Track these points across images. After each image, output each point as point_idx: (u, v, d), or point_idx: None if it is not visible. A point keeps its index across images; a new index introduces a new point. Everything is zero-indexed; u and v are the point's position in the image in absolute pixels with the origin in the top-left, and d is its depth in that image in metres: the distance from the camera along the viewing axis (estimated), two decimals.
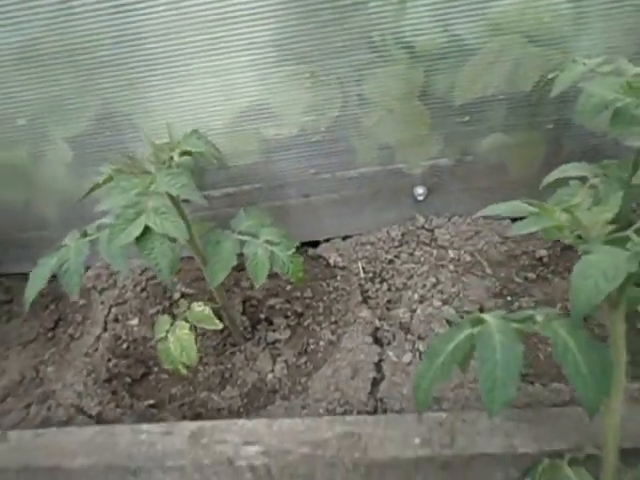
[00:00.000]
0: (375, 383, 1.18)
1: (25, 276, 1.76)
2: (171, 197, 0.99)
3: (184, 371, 1.20)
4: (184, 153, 1.07)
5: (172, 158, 1.03)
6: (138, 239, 0.93)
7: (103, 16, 1.21)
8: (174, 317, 1.24)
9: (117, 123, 1.40)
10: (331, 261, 1.58)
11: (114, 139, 1.42)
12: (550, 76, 1.14)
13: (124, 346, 1.46)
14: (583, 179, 1.03)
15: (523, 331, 0.70)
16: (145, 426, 1.05)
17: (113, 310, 1.54)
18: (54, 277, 1.77)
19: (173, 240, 0.98)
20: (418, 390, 0.72)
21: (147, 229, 0.93)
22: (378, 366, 1.22)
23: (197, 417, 1.26)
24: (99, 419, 1.20)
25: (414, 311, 1.34)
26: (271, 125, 1.39)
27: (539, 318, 0.72)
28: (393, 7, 1.19)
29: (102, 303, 1.57)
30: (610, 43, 1.22)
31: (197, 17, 1.23)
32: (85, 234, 1.07)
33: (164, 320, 1.22)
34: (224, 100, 1.36)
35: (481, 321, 0.70)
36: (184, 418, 1.25)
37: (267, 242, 1.13)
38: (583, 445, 0.90)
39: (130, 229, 0.93)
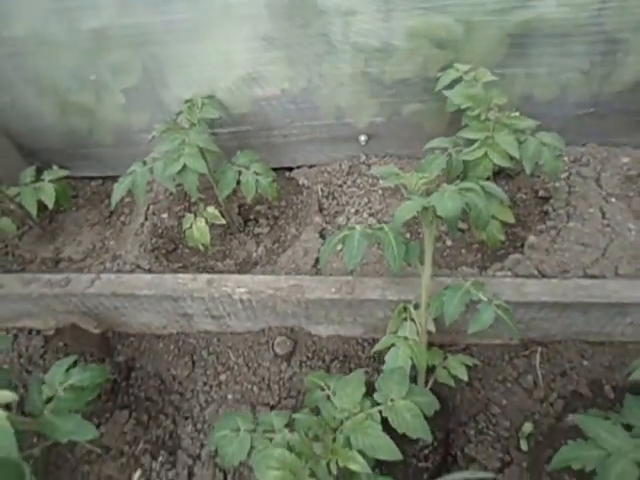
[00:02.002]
0: (317, 261, 1.94)
1: (87, 179, 2.50)
2: (198, 146, 1.67)
3: (201, 248, 1.95)
4: (205, 117, 1.74)
5: (198, 123, 1.70)
6: (179, 171, 1.63)
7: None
8: (194, 214, 1.95)
9: (155, 80, 2.02)
10: (300, 182, 2.28)
11: (152, 90, 2.06)
12: (438, 75, 1.77)
13: (159, 231, 2.19)
14: (444, 149, 1.69)
15: (374, 235, 1.41)
16: (180, 274, 1.83)
17: (151, 207, 2.26)
18: (105, 180, 2.51)
19: (198, 171, 1.68)
20: (321, 260, 1.46)
21: (184, 166, 1.63)
22: (320, 251, 1.97)
23: None
24: (150, 272, 1.97)
25: (349, 219, 2.06)
26: (260, 88, 2.02)
27: (386, 229, 1.44)
28: (342, 18, 1.78)
29: (143, 202, 2.28)
30: (482, 49, 1.81)
31: (213, 17, 1.82)
32: (145, 163, 1.75)
33: (189, 217, 1.93)
34: (229, 70, 1.97)
35: (353, 228, 1.41)
36: None
37: (255, 173, 1.84)
38: (419, 296, 1.66)
39: (175, 165, 1.63)
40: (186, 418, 1.86)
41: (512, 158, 1.49)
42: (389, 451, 1.17)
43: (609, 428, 1.23)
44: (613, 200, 1.85)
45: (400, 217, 1.29)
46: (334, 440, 1.21)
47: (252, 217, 2.23)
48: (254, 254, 2.09)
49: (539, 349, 1.78)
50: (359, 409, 1.24)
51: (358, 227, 1.41)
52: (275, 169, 2.26)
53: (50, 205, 1.95)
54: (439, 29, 1.75)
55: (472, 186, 1.24)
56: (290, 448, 1.20)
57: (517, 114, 1.54)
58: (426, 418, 1.55)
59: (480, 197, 1.21)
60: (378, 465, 1.33)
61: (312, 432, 1.25)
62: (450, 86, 1.67)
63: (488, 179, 1.49)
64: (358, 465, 1.13)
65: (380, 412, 1.24)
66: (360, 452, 1.17)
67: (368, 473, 1.17)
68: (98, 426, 1.84)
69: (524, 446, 1.63)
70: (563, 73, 1.79)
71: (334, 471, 1.15)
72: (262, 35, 1.85)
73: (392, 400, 1.25)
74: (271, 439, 1.29)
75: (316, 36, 1.81)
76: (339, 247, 1.50)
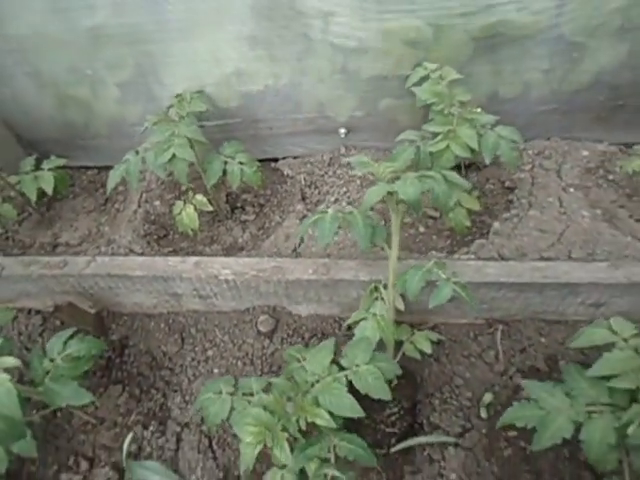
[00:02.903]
0: (297, 246, 2.09)
1: (84, 169, 2.63)
2: (187, 137, 1.81)
3: (190, 233, 2.09)
4: (194, 111, 1.88)
5: (187, 115, 1.84)
6: (169, 160, 1.78)
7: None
8: (184, 201, 2.09)
9: (148, 76, 2.16)
10: (285, 172, 2.43)
11: (145, 85, 2.19)
12: (407, 74, 1.91)
13: (152, 217, 2.34)
14: (413, 141, 1.84)
15: (345, 217, 1.55)
16: (171, 257, 1.97)
17: (144, 195, 2.40)
18: (100, 169, 2.64)
19: (187, 160, 1.82)
20: (298, 237, 1.60)
21: (174, 155, 1.77)
22: (301, 238, 2.12)
23: None
24: (143, 256, 2.11)
25: (329, 207, 2.21)
26: (246, 83, 2.15)
27: (355, 212, 1.58)
28: (320, 19, 1.92)
29: (136, 190, 2.42)
30: (450, 50, 1.95)
31: (202, 17, 1.95)
32: (137, 153, 1.89)
33: (178, 204, 2.08)
34: (217, 66, 2.11)
35: (325, 212, 1.55)
36: None
37: (240, 162, 1.98)
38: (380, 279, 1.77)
39: (165, 154, 1.77)
40: (175, 391, 2.00)
41: (472, 150, 1.63)
42: (353, 409, 1.31)
43: (549, 390, 1.38)
44: (571, 190, 2.00)
45: (368, 201, 1.42)
46: (304, 400, 1.35)
47: (239, 205, 2.37)
48: (240, 239, 2.23)
49: (500, 327, 1.94)
50: (327, 373, 1.39)
51: (330, 210, 1.55)
52: (261, 160, 2.41)
53: (49, 191, 2.09)
54: (410, 31, 1.89)
55: (432, 174, 1.38)
56: (265, 408, 1.35)
57: (478, 110, 1.68)
58: (389, 382, 1.73)
59: (438, 183, 1.35)
60: (349, 429, 1.48)
61: (286, 394, 1.40)
62: (419, 83, 1.81)
63: (458, 169, 1.64)
64: (324, 420, 1.28)
65: (346, 376, 1.39)
66: (327, 410, 1.31)
67: (333, 428, 1.32)
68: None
69: (484, 414, 1.78)
70: (525, 72, 1.94)
71: (303, 426, 1.30)
72: (247, 34, 1.98)
73: (357, 365, 1.40)
74: (250, 401, 1.44)
75: (297, 36, 1.95)
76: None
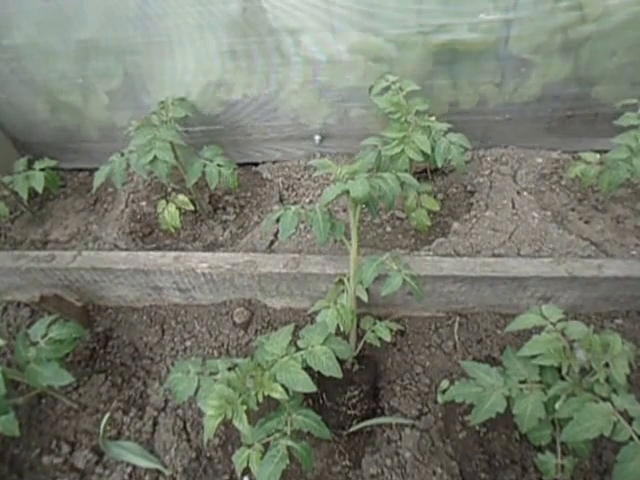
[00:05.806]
0: (272, 243, 2.23)
1: (75, 171, 2.78)
2: (168, 141, 1.97)
3: (172, 230, 2.24)
4: (175, 116, 2.04)
5: (169, 121, 2.00)
6: (150, 161, 1.93)
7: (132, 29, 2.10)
8: (166, 201, 2.24)
9: (136, 84, 2.32)
10: (264, 176, 2.58)
11: (133, 93, 2.35)
12: (370, 85, 2.07)
13: (137, 217, 2.48)
14: (375, 146, 1.99)
15: (306, 213, 1.70)
16: (152, 252, 2.11)
17: (131, 196, 2.54)
18: (91, 171, 2.78)
19: (167, 162, 1.97)
20: (262, 230, 1.74)
21: (155, 157, 1.92)
22: (275, 235, 2.26)
23: None
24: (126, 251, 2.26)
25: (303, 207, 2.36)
26: (226, 92, 2.31)
27: (316, 209, 1.72)
28: (291, 35, 2.08)
29: (124, 191, 2.57)
30: (411, 64, 2.11)
31: (185, 32, 2.11)
32: (122, 154, 2.04)
33: (161, 203, 2.23)
34: (199, 76, 2.27)
35: (289, 209, 1.70)
36: None
37: (218, 165, 2.13)
38: (345, 273, 1.93)
39: (147, 156, 1.92)
40: (154, 379, 2.12)
41: (426, 154, 1.78)
42: (306, 384, 1.44)
43: (486, 370, 1.52)
44: (525, 194, 2.15)
45: (326, 198, 1.57)
46: (263, 377, 1.49)
47: (221, 206, 2.51)
48: (220, 238, 2.37)
49: (457, 319, 2.07)
50: (285, 353, 1.52)
51: (292, 207, 1.70)
52: (243, 164, 2.57)
53: (40, 190, 2.24)
54: (372, 47, 2.05)
55: (381, 175, 1.54)
56: (229, 384, 1.48)
57: (432, 118, 1.84)
58: (350, 367, 1.86)
59: (385, 182, 1.50)
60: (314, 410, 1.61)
61: (249, 373, 1.53)
62: (381, 94, 1.97)
63: (425, 173, 1.78)
64: (279, 393, 1.42)
65: (302, 356, 1.52)
66: (283, 386, 1.45)
67: (289, 401, 1.45)
68: (77, 388, 2.11)
69: (440, 399, 1.92)
70: (480, 85, 2.10)
71: (260, 399, 1.44)
72: (227, 48, 2.14)
73: (312, 346, 1.54)
74: (215, 379, 1.57)
75: (270, 50, 2.11)
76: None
